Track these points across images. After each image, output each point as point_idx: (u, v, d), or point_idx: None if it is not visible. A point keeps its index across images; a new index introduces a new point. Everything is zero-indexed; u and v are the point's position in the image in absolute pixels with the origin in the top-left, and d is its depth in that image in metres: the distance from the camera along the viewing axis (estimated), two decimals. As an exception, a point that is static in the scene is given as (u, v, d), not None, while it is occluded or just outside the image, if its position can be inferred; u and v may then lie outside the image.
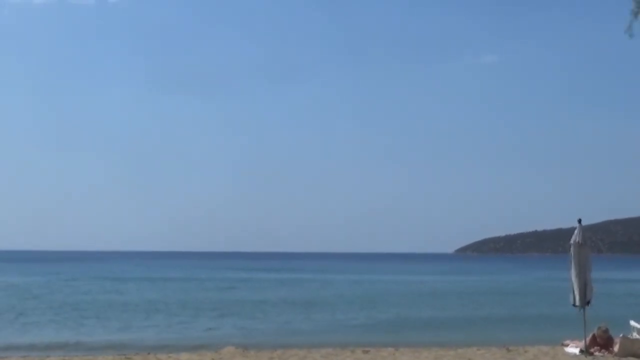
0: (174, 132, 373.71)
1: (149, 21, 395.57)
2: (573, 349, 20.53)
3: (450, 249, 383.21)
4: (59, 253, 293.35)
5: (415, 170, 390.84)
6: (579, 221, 19.96)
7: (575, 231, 20.02)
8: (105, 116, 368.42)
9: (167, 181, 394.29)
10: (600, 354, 19.76)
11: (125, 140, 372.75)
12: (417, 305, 45.48)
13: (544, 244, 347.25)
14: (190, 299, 48.70)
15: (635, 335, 20.49)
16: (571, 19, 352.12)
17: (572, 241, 20.01)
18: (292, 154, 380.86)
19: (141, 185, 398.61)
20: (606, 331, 20.28)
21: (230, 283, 71.03)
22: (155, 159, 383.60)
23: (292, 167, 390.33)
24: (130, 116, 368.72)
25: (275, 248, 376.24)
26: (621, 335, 19.92)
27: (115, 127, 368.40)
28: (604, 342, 20.12)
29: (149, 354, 21.22)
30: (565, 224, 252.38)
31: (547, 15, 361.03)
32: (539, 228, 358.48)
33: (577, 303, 19.81)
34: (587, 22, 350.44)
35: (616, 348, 19.66)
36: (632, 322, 21.03)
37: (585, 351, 19.86)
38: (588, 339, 20.03)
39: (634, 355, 19.18)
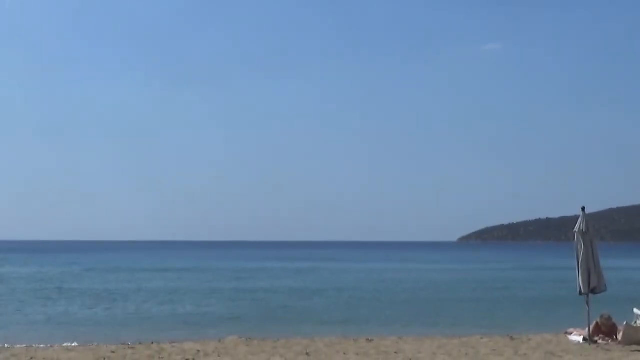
0: (174, 124, 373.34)
1: (148, 16, 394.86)
2: (577, 337, 20.52)
3: (453, 237, 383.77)
4: (62, 243, 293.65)
5: (418, 159, 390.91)
6: (583, 209, 19.90)
7: (579, 219, 19.96)
8: (107, 109, 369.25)
9: (166, 173, 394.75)
10: (604, 342, 19.74)
11: (125, 132, 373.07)
12: (421, 293, 45.53)
13: (548, 232, 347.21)
14: (199, 288, 48.83)
15: (638, 322, 20.46)
16: (573, 9, 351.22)
17: (576, 229, 19.96)
18: (291, 144, 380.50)
19: (142, 176, 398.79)
20: (609, 319, 20.26)
21: (239, 272, 71.10)
22: (155, 151, 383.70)
23: (291, 157, 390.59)
24: (132, 109, 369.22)
25: (276, 237, 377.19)
26: (625, 323, 19.89)
27: (116, 119, 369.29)
28: (607, 330, 20.11)
29: (152, 343, 21.24)
30: (568, 212, 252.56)
31: (549, 6, 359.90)
32: (543, 216, 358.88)
33: (584, 291, 19.79)
34: (589, 12, 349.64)
35: (620, 336, 19.64)
36: (636, 310, 20.99)
37: (588, 339, 19.85)
38: (592, 327, 20.02)
39: (637, 343, 19.16)
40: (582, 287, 19.78)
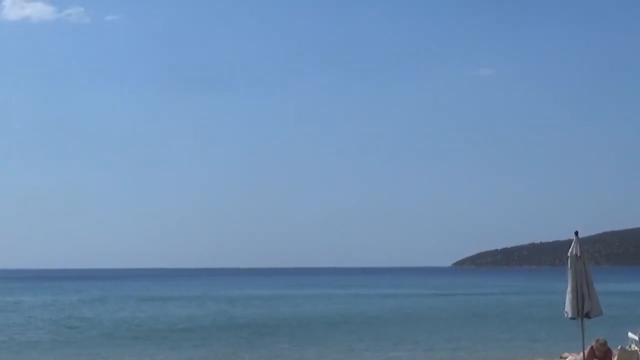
0: (170, 140, 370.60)
1: (145, 37, 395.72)
2: (572, 362, 20.51)
3: (447, 262, 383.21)
4: (58, 272, 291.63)
5: (411, 184, 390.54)
6: (576, 233, 19.96)
7: (573, 243, 20.02)
8: (104, 130, 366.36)
9: (162, 195, 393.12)
10: (599, 366, 19.74)
11: (122, 150, 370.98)
12: (417, 319, 45.48)
13: (541, 257, 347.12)
14: (205, 317, 48.75)
15: (633, 347, 20.49)
16: (565, 34, 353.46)
17: (569, 253, 20.02)
18: (286, 160, 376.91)
19: (136, 197, 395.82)
20: (604, 344, 20.26)
21: (248, 300, 70.88)
22: (150, 167, 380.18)
23: (285, 178, 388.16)
24: (131, 128, 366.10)
25: (268, 264, 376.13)
26: (619, 347, 19.92)
27: (115, 141, 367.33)
28: (602, 354, 20.10)
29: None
30: (562, 237, 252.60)
31: (542, 31, 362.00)
32: (536, 241, 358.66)
33: (570, 315, 19.75)
34: (582, 36, 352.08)
35: (614, 360, 19.65)
36: (630, 334, 21.04)
37: (583, 364, 19.84)
38: (586, 351, 20.02)
39: (632, 367, 19.18)
40: (571, 311, 19.70)
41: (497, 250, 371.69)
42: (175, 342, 32.55)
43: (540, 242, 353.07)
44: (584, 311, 19.71)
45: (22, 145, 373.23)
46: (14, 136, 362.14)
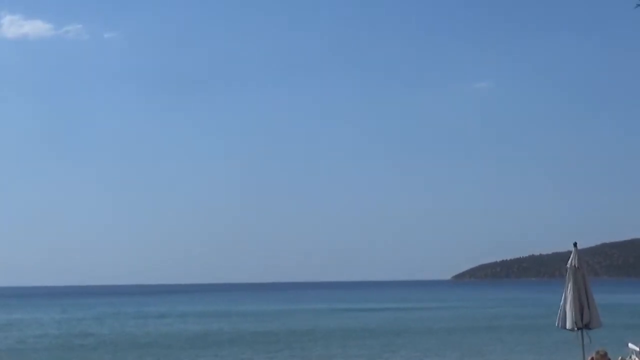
0: (168, 154, 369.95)
1: (143, 55, 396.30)
2: (572, 373, 20.51)
3: (447, 275, 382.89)
4: (51, 288, 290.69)
5: (409, 196, 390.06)
6: (575, 245, 19.99)
7: (572, 255, 20.05)
8: (103, 145, 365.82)
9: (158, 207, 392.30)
10: (600, 377, 19.73)
11: (120, 164, 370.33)
12: (419, 333, 45.48)
13: (541, 269, 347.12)
14: (212, 331, 48.76)
15: (633, 357, 20.49)
16: (562, 46, 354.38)
17: (568, 265, 20.03)
18: (284, 172, 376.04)
19: (128, 212, 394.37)
20: (605, 355, 20.25)
21: (260, 316, 70.90)
22: (146, 181, 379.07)
23: (282, 188, 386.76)
24: (131, 143, 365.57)
25: (267, 279, 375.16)
26: (619, 358, 19.92)
27: (114, 155, 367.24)
28: (602, 365, 20.10)
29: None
30: (561, 248, 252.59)
31: (538, 43, 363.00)
32: (535, 252, 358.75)
33: (569, 327, 19.73)
34: (579, 48, 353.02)
35: (615, 371, 19.65)
36: (631, 345, 21.03)
37: (584, 375, 19.84)
38: (587, 362, 20.02)
39: (632, 378, 19.17)
40: (570, 322, 19.66)
41: (496, 262, 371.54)
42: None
43: (540, 254, 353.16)
44: (583, 323, 19.72)
45: (19, 160, 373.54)
46: (11, 151, 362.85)
